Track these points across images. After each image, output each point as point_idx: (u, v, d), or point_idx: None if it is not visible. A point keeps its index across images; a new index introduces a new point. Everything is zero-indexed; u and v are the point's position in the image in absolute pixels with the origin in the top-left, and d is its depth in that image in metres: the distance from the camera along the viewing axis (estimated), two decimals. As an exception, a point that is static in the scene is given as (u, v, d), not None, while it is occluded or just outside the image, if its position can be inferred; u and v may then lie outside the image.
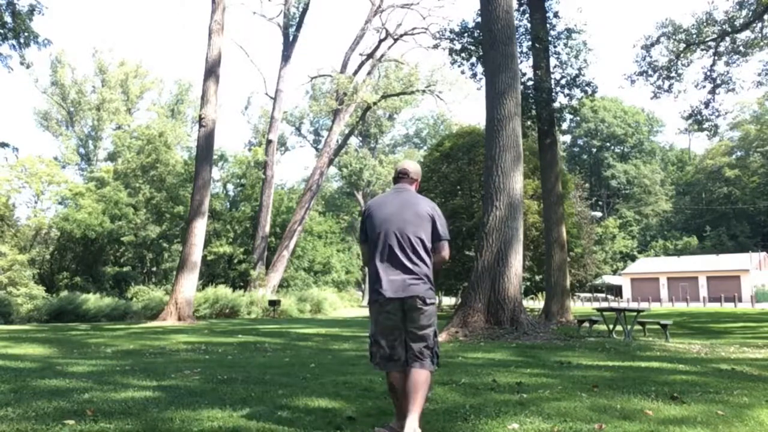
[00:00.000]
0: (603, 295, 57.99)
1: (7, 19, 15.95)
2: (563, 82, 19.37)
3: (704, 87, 22.98)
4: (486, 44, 12.47)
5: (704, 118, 23.15)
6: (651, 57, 23.17)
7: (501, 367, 6.58)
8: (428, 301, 3.49)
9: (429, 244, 3.58)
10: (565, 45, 19.55)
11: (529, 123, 18.81)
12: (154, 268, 33.24)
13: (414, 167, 3.92)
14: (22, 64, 17.07)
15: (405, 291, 3.44)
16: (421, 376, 3.41)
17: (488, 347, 8.87)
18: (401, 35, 32.37)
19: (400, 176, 3.85)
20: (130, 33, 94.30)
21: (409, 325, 3.48)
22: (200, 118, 21.13)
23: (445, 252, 3.66)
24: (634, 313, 11.62)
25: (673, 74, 23.02)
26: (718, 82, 22.73)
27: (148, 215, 31.66)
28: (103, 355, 8.24)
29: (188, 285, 19.52)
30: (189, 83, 58.71)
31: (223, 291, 25.41)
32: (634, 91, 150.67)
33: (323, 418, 3.95)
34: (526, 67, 18.86)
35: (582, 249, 28.78)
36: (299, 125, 59.76)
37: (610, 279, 60.87)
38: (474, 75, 19.82)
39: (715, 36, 22.57)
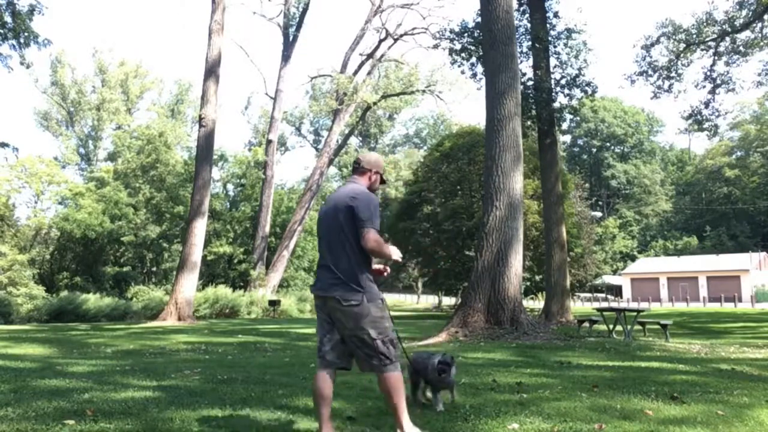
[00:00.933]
0: (603, 295, 58.00)
1: (7, 19, 15.94)
2: (563, 82, 19.38)
3: (704, 87, 22.99)
4: (486, 44, 12.47)
5: (704, 118, 23.15)
6: (651, 57, 23.18)
7: (501, 367, 6.57)
8: (344, 302, 3.28)
9: (356, 238, 3.31)
10: (565, 45, 19.56)
11: (529, 123, 18.81)
12: (154, 268, 33.25)
13: (367, 157, 3.68)
14: (22, 64, 17.06)
15: (326, 291, 3.36)
16: (385, 382, 3.32)
17: (488, 347, 8.86)
18: (401, 35, 32.39)
19: (353, 167, 3.69)
20: (130, 33, 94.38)
21: (341, 329, 3.36)
22: (200, 118, 21.12)
23: (365, 239, 3.27)
24: (634, 313, 11.62)
25: (673, 74, 23.02)
26: (718, 82, 22.73)
27: (148, 215, 31.67)
28: (103, 355, 8.25)
29: (188, 285, 19.52)
30: (189, 83, 58.83)
31: (223, 291, 25.41)
32: (634, 91, 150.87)
33: (323, 418, 3.95)
34: (526, 67, 18.89)
35: (582, 249, 28.79)
36: (299, 125, 59.87)
37: (610, 279, 60.88)
38: (474, 75, 19.84)
39: (715, 36, 22.57)
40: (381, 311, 3.35)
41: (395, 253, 3.45)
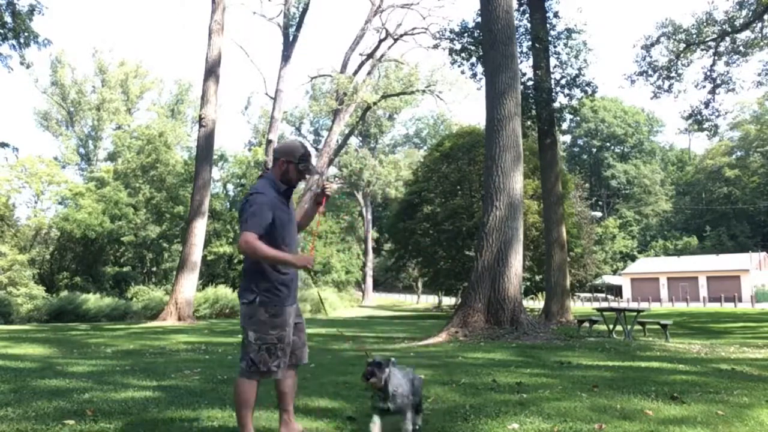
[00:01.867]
0: (603, 295, 57.98)
1: (7, 19, 15.94)
2: (563, 82, 19.38)
3: (704, 87, 22.99)
4: (486, 44, 12.47)
5: (704, 118, 23.15)
6: (651, 57, 23.18)
7: (501, 367, 6.57)
8: (240, 300, 3.29)
9: None
10: (565, 45, 19.56)
11: (529, 123, 18.81)
12: (154, 268, 33.23)
13: (279, 144, 3.51)
14: (22, 64, 17.05)
15: None
16: (234, 387, 3.28)
17: (488, 347, 8.86)
18: (401, 35, 32.37)
19: None
20: (130, 33, 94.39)
21: None
22: (200, 118, 21.12)
23: (238, 243, 3.24)
24: (634, 313, 11.61)
25: (673, 74, 23.02)
26: (718, 82, 22.72)
27: (148, 215, 31.66)
28: (103, 355, 8.24)
29: (188, 285, 19.51)
30: (189, 83, 58.76)
31: (223, 291, 25.43)
32: (634, 91, 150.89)
33: (323, 418, 3.95)
34: (526, 67, 18.89)
35: (582, 249, 28.83)
36: (299, 125, 59.84)
37: (610, 279, 60.86)
38: (474, 75, 19.84)
39: (715, 36, 22.57)
40: (271, 317, 3.19)
41: (277, 255, 3.16)
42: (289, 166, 3.31)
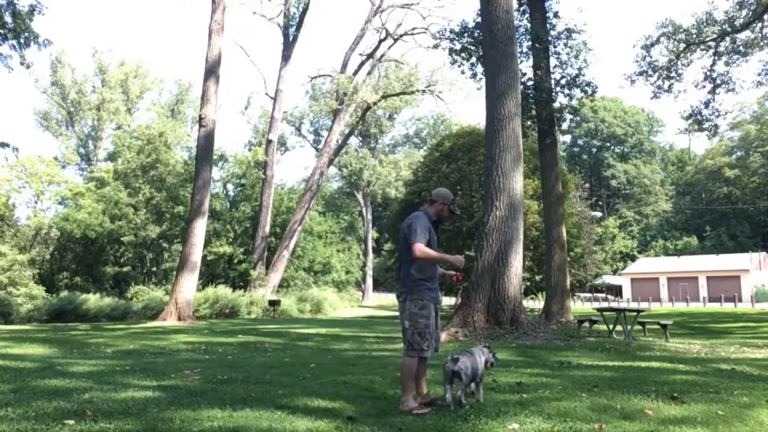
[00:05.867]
0: (603, 295, 57.96)
1: (8, 19, 15.93)
2: (563, 82, 19.37)
3: (704, 87, 22.98)
4: (486, 44, 12.47)
5: (704, 118, 23.14)
6: (651, 57, 23.17)
7: (501, 367, 6.56)
8: (397, 298, 4.64)
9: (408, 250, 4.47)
10: (565, 45, 19.55)
11: (529, 123, 18.80)
12: (154, 268, 33.19)
13: (437, 192, 4.67)
14: (22, 64, 17.05)
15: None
16: (401, 362, 4.46)
17: (488, 347, 8.85)
18: (401, 35, 32.36)
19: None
20: (130, 33, 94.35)
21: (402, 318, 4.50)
22: (200, 118, 21.12)
23: (415, 249, 4.38)
24: (634, 313, 11.61)
25: (673, 74, 23.01)
26: (718, 82, 22.72)
27: (148, 215, 31.63)
28: (103, 355, 8.24)
29: (188, 285, 19.51)
30: (189, 83, 58.70)
31: (223, 291, 25.40)
32: (634, 91, 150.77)
33: (323, 418, 3.95)
34: (526, 67, 18.87)
35: (582, 249, 28.79)
36: (299, 125, 59.72)
37: (610, 279, 60.83)
38: (474, 75, 19.81)
39: (715, 36, 22.56)
40: (418, 309, 4.27)
41: (442, 256, 4.38)
42: (444, 207, 4.54)
